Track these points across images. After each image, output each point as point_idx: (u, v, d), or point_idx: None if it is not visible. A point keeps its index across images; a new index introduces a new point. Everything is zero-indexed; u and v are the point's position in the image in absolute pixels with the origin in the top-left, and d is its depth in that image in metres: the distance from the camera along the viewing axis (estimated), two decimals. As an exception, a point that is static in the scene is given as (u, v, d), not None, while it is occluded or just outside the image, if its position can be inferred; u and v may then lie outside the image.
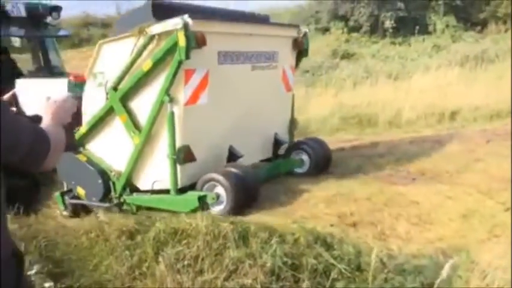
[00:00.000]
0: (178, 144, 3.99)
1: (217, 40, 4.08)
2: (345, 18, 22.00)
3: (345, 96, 11.19)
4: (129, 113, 4.19)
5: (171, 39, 3.78)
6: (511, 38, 14.67)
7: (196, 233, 3.54)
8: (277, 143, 5.08)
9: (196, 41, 3.76)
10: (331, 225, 3.75)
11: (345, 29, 21.82)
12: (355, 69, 14.73)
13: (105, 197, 4.51)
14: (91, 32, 26.94)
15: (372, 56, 18.64)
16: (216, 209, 4.03)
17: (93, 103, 4.32)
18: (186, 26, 3.71)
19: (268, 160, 5.19)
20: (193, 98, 4.00)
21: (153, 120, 4.04)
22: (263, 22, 5.10)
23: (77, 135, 4.38)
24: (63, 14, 6.54)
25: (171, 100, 3.89)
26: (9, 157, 1.37)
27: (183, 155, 4.01)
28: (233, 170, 4.10)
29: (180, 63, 3.78)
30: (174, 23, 3.75)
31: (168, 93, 3.90)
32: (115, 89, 4.20)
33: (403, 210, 4.08)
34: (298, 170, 5.13)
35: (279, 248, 3.13)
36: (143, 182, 4.38)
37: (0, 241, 1.45)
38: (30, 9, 6.15)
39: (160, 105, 3.95)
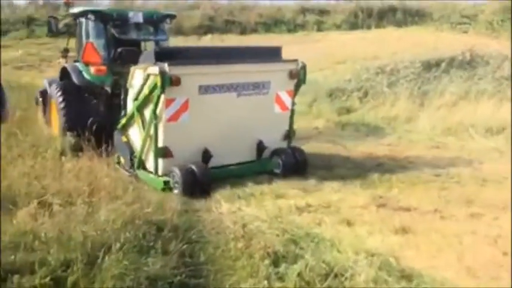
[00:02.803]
0: (160, 144, 5.55)
1: (197, 78, 5.51)
2: None
3: None
4: (141, 117, 5.84)
5: (154, 80, 5.36)
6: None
7: (355, 283, 2.63)
8: (259, 148, 6.17)
9: (171, 82, 5.22)
10: None
11: None
12: None
13: (131, 168, 6.05)
14: (307, 18, 27.14)
15: None
16: (175, 192, 5.39)
17: (129, 104, 6.09)
18: (162, 72, 5.20)
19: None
20: (174, 117, 5.48)
21: (149, 127, 5.64)
22: (258, 60, 6.05)
23: (121, 124, 6.22)
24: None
25: (156, 118, 5.49)
26: None
27: (162, 153, 5.56)
28: (188, 165, 5.40)
29: (159, 96, 5.34)
30: (155, 69, 5.29)
31: (155, 113, 5.47)
32: (136, 99, 5.82)
33: None
34: (276, 170, 6.09)
35: None
36: (147, 164, 5.91)
37: None
38: (146, 16, 7.50)
39: (151, 119, 5.56)
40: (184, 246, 3.59)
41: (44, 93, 8.26)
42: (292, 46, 21.29)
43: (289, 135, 6.42)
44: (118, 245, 3.20)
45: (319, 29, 25.90)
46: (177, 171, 5.39)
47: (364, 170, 6.50)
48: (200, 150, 5.71)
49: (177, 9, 27.08)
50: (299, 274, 2.83)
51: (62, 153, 6.62)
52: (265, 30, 26.42)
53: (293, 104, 6.35)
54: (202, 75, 5.55)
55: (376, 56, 14.90)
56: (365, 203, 4.73)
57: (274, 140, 6.25)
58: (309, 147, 8.09)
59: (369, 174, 6.27)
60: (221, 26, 26.69)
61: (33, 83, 12.79)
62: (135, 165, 5.98)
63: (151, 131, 5.59)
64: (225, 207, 4.99)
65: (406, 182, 5.80)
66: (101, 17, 7.27)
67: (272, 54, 6.33)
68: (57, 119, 7.53)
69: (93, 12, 7.32)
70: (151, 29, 7.69)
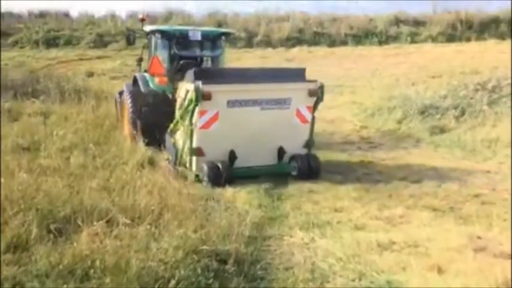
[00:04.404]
0: (194, 145, 6.66)
1: (226, 94, 6.54)
2: None
3: None
4: (183, 123, 6.83)
5: (191, 95, 6.45)
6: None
7: None
8: (280, 153, 7.14)
9: (203, 97, 6.33)
10: None
11: None
12: None
13: (175, 164, 6.98)
14: (400, 29, 25.95)
15: None
16: (204, 184, 6.47)
17: (176, 112, 7.11)
18: (196, 89, 6.29)
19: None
20: (206, 126, 6.59)
21: (187, 131, 6.71)
22: (280, 80, 7.13)
23: (170, 128, 7.16)
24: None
25: (191, 124, 6.58)
26: None
27: (196, 152, 6.68)
28: (213, 162, 6.52)
29: (194, 108, 6.46)
30: (191, 86, 6.42)
31: (191, 120, 6.57)
32: (180, 108, 6.95)
33: None
34: (293, 173, 7.07)
35: None
36: (185, 161, 6.93)
37: None
38: (204, 34, 8.61)
39: (188, 125, 6.64)
40: (247, 287, 3.24)
41: (121, 94, 9.18)
42: (383, 59, 20.53)
43: (308, 144, 7.34)
44: (173, 282, 2.93)
45: (412, 41, 24.62)
46: (205, 167, 6.53)
47: (458, 201, 5.79)
48: (227, 152, 6.78)
49: (268, 21, 27.45)
50: None
51: (141, 165, 6.73)
52: (355, 43, 25.65)
53: (313, 118, 7.31)
54: (230, 92, 6.60)
55: (475, 71, 13.71)
56: (460, 244, 4.09)
57: (293, 147, 7.18)
58: (393, 170, 7.49)
59: (464, 206, 5.57)
60: (310, 38, 26.35)
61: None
62: (177, 162, 7.00)
63: (189, 135, 6.66)
64: (298, 236, 4.62)
65: (509, 219, 5.03)
66: (166, 35, 8.48)
67: (296, 75, 7.31)
68: (126, 118, 8.63)
69: (160, 31, 8.60)
70: (208, 45, 8.78)
